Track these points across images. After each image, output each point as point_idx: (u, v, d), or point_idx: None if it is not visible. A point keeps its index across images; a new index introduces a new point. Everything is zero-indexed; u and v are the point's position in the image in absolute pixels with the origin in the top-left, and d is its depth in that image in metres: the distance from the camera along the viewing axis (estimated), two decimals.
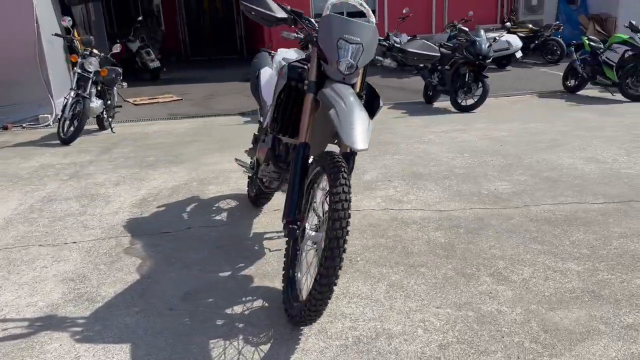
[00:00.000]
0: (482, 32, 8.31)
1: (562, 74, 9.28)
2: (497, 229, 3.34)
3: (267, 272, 2.92)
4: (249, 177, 4.09)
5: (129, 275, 2.93)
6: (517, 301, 2.52)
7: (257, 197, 3.76)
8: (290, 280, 2.60)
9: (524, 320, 2.37)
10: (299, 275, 2.61)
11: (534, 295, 2.57)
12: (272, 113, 2.76)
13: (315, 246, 2.42)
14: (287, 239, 2.73)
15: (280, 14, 2.57)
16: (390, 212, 3.67)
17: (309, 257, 2.49)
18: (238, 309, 2.56)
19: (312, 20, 2.64)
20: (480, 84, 7.84)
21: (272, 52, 3.77)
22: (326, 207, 2.51)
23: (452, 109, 7.73)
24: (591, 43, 9.28)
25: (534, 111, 7.38)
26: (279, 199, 3.84)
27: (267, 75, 3.45)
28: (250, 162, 3.84)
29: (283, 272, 2.66)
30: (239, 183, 4.44)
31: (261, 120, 3.37)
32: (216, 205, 3.98)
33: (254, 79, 3.55)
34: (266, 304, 2.60)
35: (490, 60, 7.97)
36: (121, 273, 2.96)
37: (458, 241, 3.18)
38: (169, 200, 4.10)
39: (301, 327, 2.38)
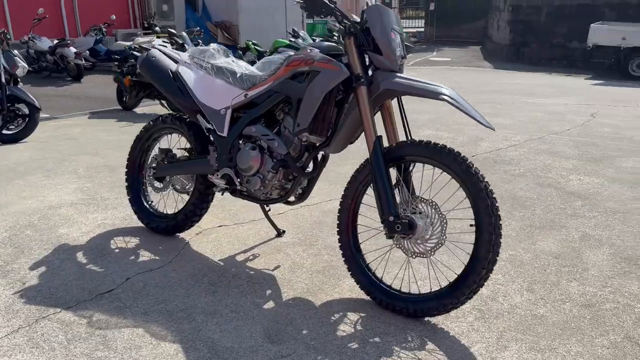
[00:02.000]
0: (184, 34, 8.36)
1: None
2: None
3: (309, 288, 2.65)
4: (135, 207, 3.35)
5: (157, 348, 2.18)
6: (513, 246, 3.12)
7: (184, 222, 3.16)
8: (375, 281, 2.51)
9: (535, 256, 2.99)
10: (377, 272, 2.55)
11: (513, 240, 3.21)
12: (315, 112, 2.51)
13: (420, 236, 2.38)
14: (339, 245, 2.61)
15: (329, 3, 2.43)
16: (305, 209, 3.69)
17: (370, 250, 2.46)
18: (347, 328, 2.32)
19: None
20: None
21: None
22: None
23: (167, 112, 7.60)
24: (257, 47, 10.44)
25: None
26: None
27: (192, 75, 2.98)
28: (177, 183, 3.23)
29: (355, 277, 2.54)
30: (94, 218, 3.53)
31: (212, 127, 2.88)
32: (114, 247, 3.12)
33: (170, 80, 2.99)
34: (363, 314, 2.43)
35: None
36: (143, 350, 2.17)
37: None
38: (32, 258, 2.97)
39: (425, 319, 2.38)
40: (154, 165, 3.27)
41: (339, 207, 2.62)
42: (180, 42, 8.04)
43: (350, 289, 2.63)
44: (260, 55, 10.12)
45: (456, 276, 2.32)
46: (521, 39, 16.02)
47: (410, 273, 2.67)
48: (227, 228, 3.39)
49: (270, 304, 2.51)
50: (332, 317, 2.40)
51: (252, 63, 9.76)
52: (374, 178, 2.40)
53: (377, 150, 2.40)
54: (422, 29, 23.47)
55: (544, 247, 3.09)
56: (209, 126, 2.90)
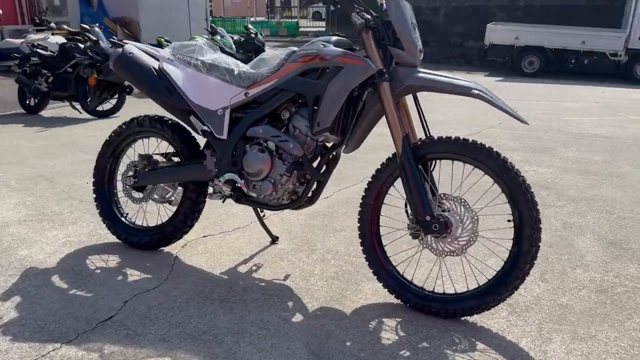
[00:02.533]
0: (97, 29, 7.73)
1: None
2: None
3: (332, 296, 2.51)
4: (108, 222, 3.00)
5: None
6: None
7: (173, 234, 2.87)
8: (405, 283, 2.43)
9: None
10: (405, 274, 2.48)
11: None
12: (339, 110, 2.37)
13: (447, 233, 2.32)
14: (363, 250, 2.50)
15: None
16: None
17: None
18: (390, 335, 2.22)
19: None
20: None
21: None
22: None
23: (79, 115, 7.01)
24: (169, 44, 9.94)
25: None
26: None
27: (179, 72, 2.73)
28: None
29: (383, 281, 2.45)
30: (55, 236, 3.13)
31: (208, 129, 2.64)
32: (93, 268, 2.77)
33: (155, 79, 2.70)
34: (398, 319, 2.34)
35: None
36: None
37: None
38: None
39: (465, 318, 2.34)
40: (131, 173, 2.94)
41: (360, 209, 2.50)
42: (94, 38, 7.42)
43: (374, 293, 2.53)
44: None
45: (495, 273, 2.30)
46: (422, 39, 16.68)
47: (414, 271, 2.62)
48: (214, 238, 3.14)
49: (298, 317, 2.34)
50: (370, 325, 2.29)
51: None
52: (406, 178, 2.31)
53: (407, 149, 2.32)
54: (324, 29, 23.86)
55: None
56: (205, 128, 2.65)
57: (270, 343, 2.14)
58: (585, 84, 11.51)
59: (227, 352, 2.08)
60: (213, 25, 9.66)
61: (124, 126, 2.95)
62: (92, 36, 7.39)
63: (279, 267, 2.78)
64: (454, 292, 2.41)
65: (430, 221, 2.27)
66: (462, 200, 2.33)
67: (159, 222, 2.96)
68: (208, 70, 2.68)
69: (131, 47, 2.83)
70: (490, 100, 2.24)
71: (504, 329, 2.27)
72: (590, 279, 2.69)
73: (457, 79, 2.32)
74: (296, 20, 24.30)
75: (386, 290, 2.46)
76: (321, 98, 2.38)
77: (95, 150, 3.13)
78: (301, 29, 23.28)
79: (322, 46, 2.44)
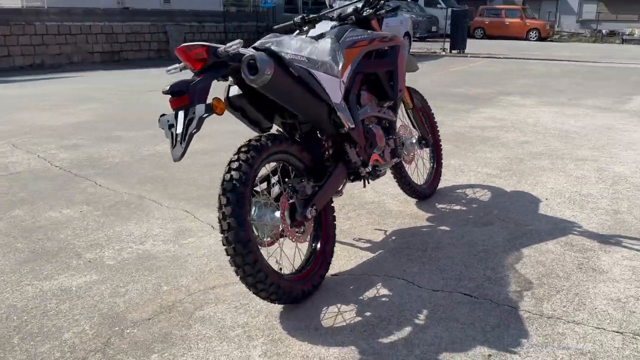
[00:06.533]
0: None
1: None
2: None
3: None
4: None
5: None
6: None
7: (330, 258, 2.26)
8: (416, 184, 3.36)
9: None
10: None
11: None
12: None
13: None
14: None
15: None
16: None
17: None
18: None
19: None
20: None
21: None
22: None
23: None
24: None
25: None
26: None
27: (326, 78, 2.34)
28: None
29: (411, 196, 3.34)
30: None
31: (351, 126, 2.45)
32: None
33: (320, 85, 2.26)
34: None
35: None
36: None
37: None
38: None
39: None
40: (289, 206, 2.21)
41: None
42: None
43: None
44: None
45: (430, 168, 3.55)
46: None
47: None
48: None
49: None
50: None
51: None
52: (420, 116, 3.40)
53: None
54: None
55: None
56: (351, 124, 2.45)
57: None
58: None
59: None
60: None
61: (268, 142, 2.12)
62: None
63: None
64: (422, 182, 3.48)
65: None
66: None
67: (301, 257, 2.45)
68: (319, 66, 2.31)
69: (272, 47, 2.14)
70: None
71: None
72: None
73: None
74: None
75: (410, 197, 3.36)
76: (395, 71, 2.84)
77: None
78: None
79: (367, 31, 2.71)
